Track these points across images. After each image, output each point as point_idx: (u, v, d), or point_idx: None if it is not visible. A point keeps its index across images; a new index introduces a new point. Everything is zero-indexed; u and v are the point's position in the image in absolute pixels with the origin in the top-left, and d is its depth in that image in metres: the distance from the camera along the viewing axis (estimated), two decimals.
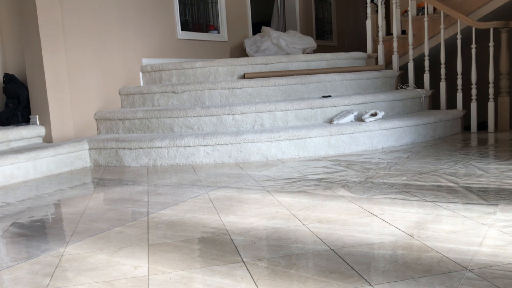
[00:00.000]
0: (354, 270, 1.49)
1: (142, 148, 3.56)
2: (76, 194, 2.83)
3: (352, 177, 2.79)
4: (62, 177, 3.38)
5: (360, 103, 3.98)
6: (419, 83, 4.76)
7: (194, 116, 3.81)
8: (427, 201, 2.21)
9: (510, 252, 1.56)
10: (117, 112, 4.06)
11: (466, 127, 4.52)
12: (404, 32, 5.18)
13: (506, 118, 4.37)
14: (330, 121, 3.82)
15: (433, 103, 4.76)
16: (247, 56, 5.57)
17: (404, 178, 2.69)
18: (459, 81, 4.44)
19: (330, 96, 4.12)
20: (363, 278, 1.43)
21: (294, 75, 4.31)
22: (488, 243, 1.64)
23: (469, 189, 2.37)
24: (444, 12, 4.44)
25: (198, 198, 2.51)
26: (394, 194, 2.35)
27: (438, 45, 4.66)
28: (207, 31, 5.52)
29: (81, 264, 1.69)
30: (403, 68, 4.91)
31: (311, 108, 3.83)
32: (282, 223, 2.01)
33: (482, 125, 4.49)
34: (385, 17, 5.01)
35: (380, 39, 4.91)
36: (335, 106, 3.89)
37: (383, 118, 3.89)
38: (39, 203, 2.63)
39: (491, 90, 4.37)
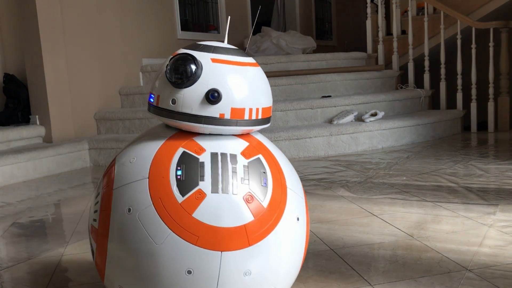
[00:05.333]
0: (354, 270, 1.49)
1: None
2: (76, 194, 2.83)
3: (352, 177, 2.79)
4: (62, 177, 3.38)
5: (360, 103, 3.97)
6: (419, 83, 4.76)
7: None
8: (427, 201, 2.21)
9: (510, 252, 1.56)
10: (117, 112, 4.06)
11: (466, 127, 4.52)
12: (404, 32, 5.18)
13: (506, 118, 4.37)
14: (330, 121, 3.82)
15: (433, 103, 4.75)
16: None
17: (404, 178, 2.69)
18: (459, 81, 4.44)
19: (330, 96, 4.12)
20: (363, 278, 1.43)
21: (294, 75, 4.31)
22: (488, 243, 1.64)
23: (469, 189, 2.37)
24: (444, 12, 4.43)
25: None
26: (394, 194, 2.35)
27: (438, 45, 4.65)
28: (207, 31, 5.52)
29: (81, 264, 1.68)
30: (403, 68, 4.91)
31: (311, 108, 3.83)
32: None
33: (482, 125, 4.48)
34: (385, 17, 5.01)
35: (380, 39, 4.90)
36: (335, 106, 3.89)
37: (383, 118, 3.89)
38: (39, 203, 2.63)
39: (491, 90, 4.37)
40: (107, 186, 1.11)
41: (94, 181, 3.21)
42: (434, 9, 4.85)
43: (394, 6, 4.90)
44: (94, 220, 1.12)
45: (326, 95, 4.18)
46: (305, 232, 1.17)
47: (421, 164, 3.03)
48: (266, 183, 1.07)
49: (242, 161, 1.07)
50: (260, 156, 1.11)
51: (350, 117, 3.78)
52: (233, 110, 1.09)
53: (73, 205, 2.57)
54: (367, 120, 3.75)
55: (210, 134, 1.11)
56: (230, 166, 1.05)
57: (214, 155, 1.06)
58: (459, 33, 4.36)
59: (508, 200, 2.14)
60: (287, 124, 3.81)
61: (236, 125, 1.10)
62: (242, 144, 1.11)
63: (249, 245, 1.03)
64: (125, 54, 4.44)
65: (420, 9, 5.14)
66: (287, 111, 3.79)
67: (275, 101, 4.02)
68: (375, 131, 3.70)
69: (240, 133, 1.14)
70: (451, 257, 1.54)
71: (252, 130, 1.16)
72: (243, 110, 1.10)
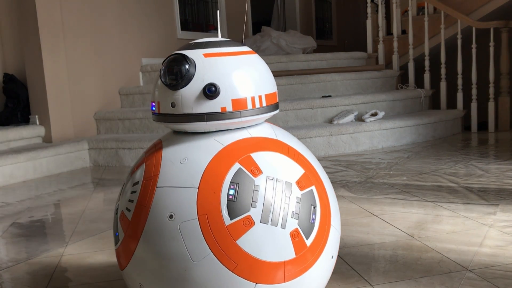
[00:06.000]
0: (354, 270, 1.49)
1: (142, 148, 3.56)
2: (76, 194, 2.83)
3: (352, 177, 2.78)
4: (62, 177, 3.37)
5: (360, 103, 3.97)
6: (419, 83, 4.75)
7: None
8: (427, 201, 2.21)
9: (511, 252, 1.55)
10: (117, 112, 4.06)
11: (467, 127, 4.51)
12: (404, 32, 5.17)
13: (506, 118, 4.36)
14: (330, 121, 3.81)
15: (434, 103, 4.75)
16: None
17: (405, 178, 2.68)
18: (460, 81, 4.44)
19: (330, 96, 4.12)
20: (363, 278, 1.42)
21: (294, 75, 4.30)
22: (488, 243, 1.64)
23: (470, 189, 2.36)
24: (444, 12, 4.43)
25: None
26: (395, 194, 2.35)
27: (439, 45, 4.65)
28: (207, 30, 5.52)
29: (81, 264, 1.68)
30: (403, 68, 4.90)
31: (311, 108, 3.83)
32: None
33: (483, 125, 4.48)
34: (385, 17, 5.00)
35: (380, 39, 4.90)
36: (335, 106, 3.88)
37: (384, 118, 3.89)
38: (39, 203, 2.63)
39: (491, 90, 4.36)
40: (150, 179, 1.05)
41: (94, 181, 3.21)
42: (435, 8, 4.84)
43: (394, 5, 4.89)
44: (128, 210, 1.06)
45: (326, 95, 4.18)
46: (333, 266, 1.16)
47: (421, 164, 3.02)
48: (314, 220, 1.06)
49: (296, 192, 1.05)
50: (313, 188, 1.09)
51: (350, 117, 3.78)
52: (235, 102, 1.05)
53: (73, 205, 2.57)
54: (367, 120, 3.74)
55: (265, 151, 1.07)
56: (283, 196, 1.02)
57: (269, 180, 1.03)
58: (459, 33, 4.36)
59: (508, 200, 2.14)
60: (287, 124, 3.80)
61: (241, 117, 1.06)
62: (298, 171, 1.08)
63: (284, 281, 1.02)
64: (124, 54, 4.44)
65: (420, 9, 5.14)
66: (287, 111, 3.79)
67: None
68: (375, 131, 3.69)
69: (248, 124, 1.11)
70: (452, 257, 1.54)
71: (260, 119, 1.12)
72: (245, 100, 1.06)
